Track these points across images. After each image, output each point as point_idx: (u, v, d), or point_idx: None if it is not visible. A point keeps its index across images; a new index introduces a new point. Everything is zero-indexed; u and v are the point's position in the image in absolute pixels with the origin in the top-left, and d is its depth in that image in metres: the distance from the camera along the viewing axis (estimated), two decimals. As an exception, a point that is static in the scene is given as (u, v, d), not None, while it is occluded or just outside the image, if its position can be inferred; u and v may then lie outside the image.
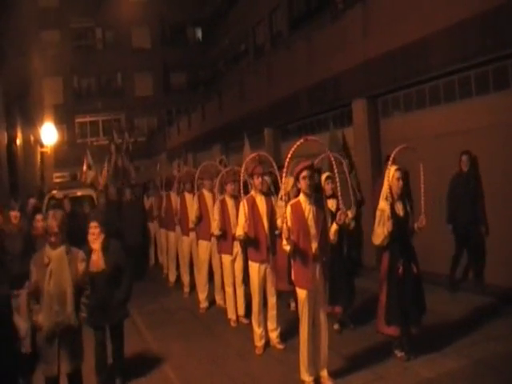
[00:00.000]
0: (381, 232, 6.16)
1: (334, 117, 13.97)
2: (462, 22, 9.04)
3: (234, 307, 8.48)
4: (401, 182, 6.23)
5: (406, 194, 6.51)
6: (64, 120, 37.60)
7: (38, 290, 5.27)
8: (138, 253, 12.43)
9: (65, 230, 5.35)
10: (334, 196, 7.27)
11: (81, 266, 5.43)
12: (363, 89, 12.09)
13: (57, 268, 5.21)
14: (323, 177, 7.27)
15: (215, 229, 8.26)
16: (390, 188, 6.22)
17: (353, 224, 7.42)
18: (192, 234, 10.31)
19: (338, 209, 6.41)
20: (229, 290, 8.54)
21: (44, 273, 5.21)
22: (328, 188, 7.21)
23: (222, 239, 8.42)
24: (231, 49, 33.99)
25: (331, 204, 7.13)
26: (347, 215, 7.33)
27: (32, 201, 10.49)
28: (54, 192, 15.28)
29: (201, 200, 9.35)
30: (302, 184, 5.72)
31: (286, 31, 24.58)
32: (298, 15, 23.53)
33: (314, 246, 5.71)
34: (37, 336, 5.69)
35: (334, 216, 6.17)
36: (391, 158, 6.18)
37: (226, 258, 8.44)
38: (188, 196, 10.44)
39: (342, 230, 7.27)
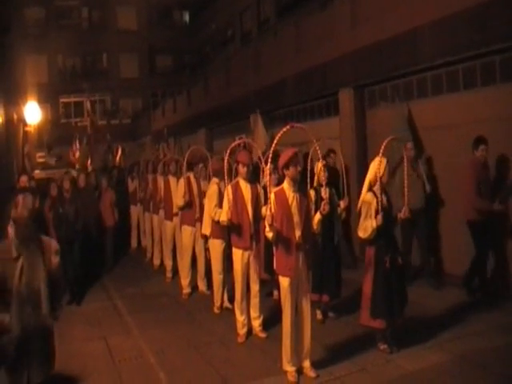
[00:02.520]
0: (369, 225, 6.13)
1: (321, 105, 13.96)
2: (451, 16, 9.03)
3: (220, 294, 8.42)
4: (387, 175, 6.24)
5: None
6: (48, 99, 37.21)
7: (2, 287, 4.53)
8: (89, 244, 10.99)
9: (37, 218, 4.79)
10: (327, 185, 7.28)
11: (54, 259, 4.76)
12: (350, 78, 12.07)
13: (29, 263, 4.56)
14: (319, 165, 7.25)
15: (224, 217, 7.26)
16: (380, 179, 6.20)
17: (344, 215, 7.47)
18: (176, 219, 10.25)
19: (321, 199, 6.39)
20: (219, 276, 8.32)
21: (12, 268, 4.51)
22: (323, 175, 7.19)
23: (216, 225, 8.00)
24: (218, 33, 33.80)
25: (324, 192, 7.12)
26: (341, 206, 7.42)
27: (24, 178, 10.26)
28: (37, 172, 15.14)
29: (188, 184, 9.27)
30: (292, 170, 5.71)
31: (273, 18, 24.48)
32: (286, 2, 23.42)
33: (298, 233, 5.70)
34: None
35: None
36: (381, 150, 6.15)
37: (216, 244, 8.20)
38: (172, 179, 10.38)
39: (333, 219, 7.36)
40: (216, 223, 7.87)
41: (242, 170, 7.15)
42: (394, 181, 8.35)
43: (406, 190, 6.32)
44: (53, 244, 4.83)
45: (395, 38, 10.44)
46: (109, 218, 12.08)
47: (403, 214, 6.25)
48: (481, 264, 8.27)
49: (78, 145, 17.65)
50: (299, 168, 5.74)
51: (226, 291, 8.47)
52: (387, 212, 6.22)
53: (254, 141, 11.22)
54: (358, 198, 6.56)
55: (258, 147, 9.74)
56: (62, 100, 40.09)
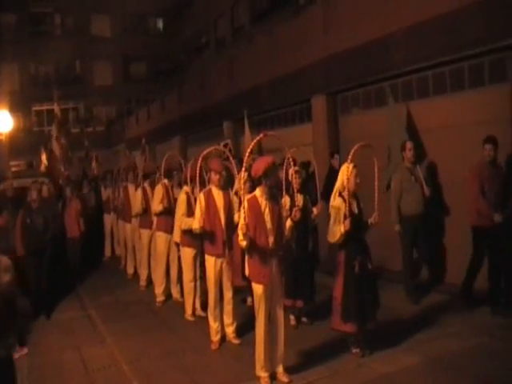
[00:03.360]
0: (337, 230, 6.18)
1: (294, 112, 14.03)
2: (423, 22, 9.16)
3: (191, 303, 8.44)
4: (357, 180, 6.30)
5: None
6: (20, 107, 36.81)
7: None
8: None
9: None
10: (301, 191, 7.37)
11: (5, 277, 4.17)
12: (323, 85, 12.17)
13: None
14: (292, 171, 7.29)
15: (196, 225, 7.28)
16: (346, 185, 6.26)
17: (318, 220, 7.51)
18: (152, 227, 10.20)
19: (292, 205, 6.44)
20: (189, 285, 8.35)
21: None
22: (296, 183, 7.23)
23: (186, 233, 8.04)
24: (192, 40, 33.79)
25: (299, 199, 7.18)
26: (314, 212, 7.46)
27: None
28: (9, 181, 14.93)
29: (166, 191, 9.29)
30: (272, 180, 5.75)
31: (247, 25, 24.56)
32: (260, 9, 23.53)
33: (271, 240, 5.72)
34: None
35: (301, 210, 6.19)
36: (350, 156, 6.22)
37: (188, 252, 8.24)
38: (149, 188, 10.34)
39: (307, 225, 7.40)
40: (186, 231, 7.93)
41: (215, 177, 7.15)
42: (396, 186, 8.55)
43: (376, 194, 6.37)
44: (2, 261, 4.24)
45: (367, 44, 10.56)
46: (74, 229, 11.41)
47: (373, 219, 6.30)
48: (474, 271, 7.93)
49: (45, 153, 17.24)
50: (277, 177, 5.79)
51: (197, 299, 8.48)
52: (357, 217, 6.28)
53: (244, 145, 11.28)
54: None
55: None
56: (34, 108, 39.68)
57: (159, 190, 9.27)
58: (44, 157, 16.67)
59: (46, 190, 10.82)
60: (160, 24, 44.18)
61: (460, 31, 8.49)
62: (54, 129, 13.90)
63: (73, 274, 11.56)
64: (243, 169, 5.76)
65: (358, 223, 6.24)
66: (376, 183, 6.40)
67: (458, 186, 8.51)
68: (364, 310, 6.24)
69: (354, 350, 6.46)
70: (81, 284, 11.34)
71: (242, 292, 8.51)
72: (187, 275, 8.37)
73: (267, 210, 5.76)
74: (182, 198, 8.15)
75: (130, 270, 11.93)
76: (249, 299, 8.35)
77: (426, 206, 8.60)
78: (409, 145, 8.62)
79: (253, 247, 5.71)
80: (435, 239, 9.38)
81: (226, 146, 12.00)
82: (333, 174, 8.89)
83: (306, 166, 10.07)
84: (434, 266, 9.43)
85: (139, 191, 10.43)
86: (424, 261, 9.26)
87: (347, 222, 6.07)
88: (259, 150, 11.08)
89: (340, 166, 9.40)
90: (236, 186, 7.31)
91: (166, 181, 9.42)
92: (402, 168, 8.64)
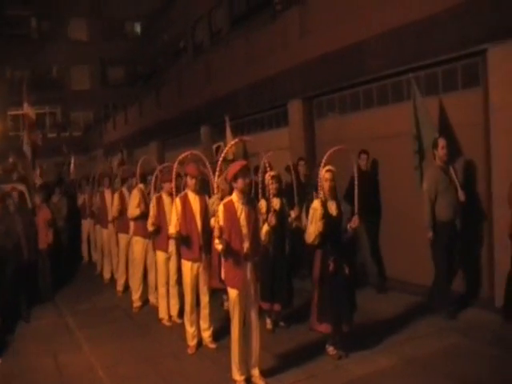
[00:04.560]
0: (312, 230, 6.27)
1: (271, 116, 14.09)
2: (397, 28, 9.26)
3: (166, 307, 8.48)
4: (331, 183, 6.36)
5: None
6: (-4, 112, 36.50)
7: None
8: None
9: None
10: (277, 195, 7.43)
11: None
12: (299, 90, 12.24)
13: None
14: (269, 175, 7.33)
15: (149, 224, 8.21)
16: (322, 188, 6.35)
17: (295, 224, 7.53)
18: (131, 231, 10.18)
19: (269, 209, 6.48)
20: (162, 289, 8.52)
21: None
22: (273, 187, 7.27)
23: (157, 235, 8.38)
24: (170, 45, 33.70)
25: (275, 203, 7.22)
26: (291, 216, 7.49)
27: None
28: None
29: (142, 195, 9.31)
30: (241, 183, 5.76)
31: (225, 29, 24.58)
32: (237, 14, 23.56)
33: (246, 245, 5.75)
34: None
35: (277, 215, 6.22)
36: (323, 160, 6.29)
37: (161, 255, 8.38)
38: (126, 193, 10.30)
39: (284, 229, 7.43)
40: (158, 234, 8.12)
41: (191, 182, 7.16)
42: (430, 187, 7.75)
43: (356, 197, 6.40)
44: None
45: (343, 49, 10.65)
46: (42, 240, 10.30)
47: (353, 223, 6.34)
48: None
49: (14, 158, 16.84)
50: (247, 180, 5.80)
51: (174, 305, 8.50)
52: (334, 219, 6.34)
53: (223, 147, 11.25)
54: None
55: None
56: (10, 113, 39.29)
57: (135, 195, 9.27)
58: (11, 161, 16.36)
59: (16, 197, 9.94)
60: (138, 28, 44.06)
61: (434, 37, 8.61)
62: (26, 133, 13.55)
63: (42, 293, 10.51)
64: (217, 174, 5.77)
65: (335, 225, 6.30)
66: (356, 187, 6.44)
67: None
68: (339, 311, 6.29)
69: (331, 352, 6.52)
70: (56, 290, 11.10)
71: (220, 296, 8.55)
72: (160, 279, 8.49)
73: (243, 214, 5.78)
74: (134, 194, 9.03)
75: (107, 276, 11.87)
76: (225, 303, 8.36)
77: (460, 211, 7.94)
78: (442, 142, 7.80)
79: (228, 251, 5.72)
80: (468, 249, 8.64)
81: (218, 148, 11.89)
82: (359, 175, 8.75)
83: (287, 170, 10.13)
84: (470, 279, 8.69)
85: (116, 195, 10.41)
86: (457, 273, 8.32)
87: (320, 222, 6.16)
88: (244, 154, 11.06)
89: (368, 166, 9.47)
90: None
91: (141, 185, 9.42)
92: (435, 167, 7.87)
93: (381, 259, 9.77)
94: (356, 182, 6.42)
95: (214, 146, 12.18)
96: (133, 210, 9.26)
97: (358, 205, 6.39)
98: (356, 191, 6.41)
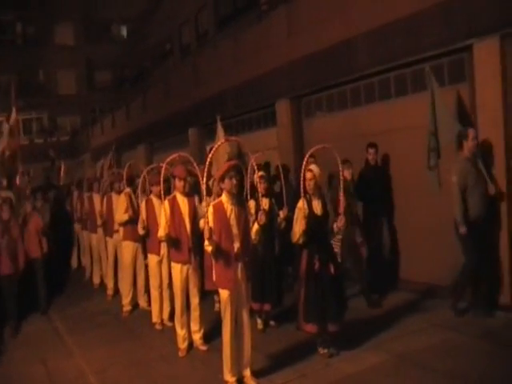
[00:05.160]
0: (297, 230, 6.33)
1: (259, 117, 14.06)
2: (383, 26, 9.27)
3: (159, 310, 8.42)
4: (311, 183, 6.40)
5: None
6: (-19, 118, 36.19)
7: None
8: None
9: None
10: (266, 195, 7.47)
11: None
12: (287, 89, 12.22)
13: None
14: (257, 175, 7.30)
15: (140, 228, 8.14)
16: (306, 187, 6.38)
17: (284, 224, 7.51)
18: (116, 235, 10.11)
19: (258, 209, 6.45)
20: (155, 292, 8.44)
21: None
22: (261, 187, 7.25)
23: (148, 239, 8.31)
24: (157, 47, 33.58)
25: (264, 203, 7.21)
26: (280, 216, 7.47)
27: None
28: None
29: (129, 200, 9.25)
30: (228, 184, 5.75)
31: (212, 31, 24.51)
32: (224, 15, 23.50)
33: (236, 246, 5.72)
34: None
35: (266, 215, 6.19)
36: (305, 159, 6.32)
37: (153, 258, 8.31)
38: (115, 197, 10.25)
39: (273, 229, 7.41)
40: (148, 237, 8.08)
41: (179, 184, 7.13)
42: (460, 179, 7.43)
43: (341, 196, 6.39)
44: None
45: (330, 48, 10.64)
46: (35, 249, 9.84)
47: (339, 222, 6.32)
48: None
49: None
50: (235, 181, 5.77)
51: (165, 309, 8.44)
52: (319, 218, 6.36)
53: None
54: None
55: (225, 153, 9.88)
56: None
57: (123, 200, 9.21)
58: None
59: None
60: (124, 31, 43.91)
61: (421, 33, 8.61)
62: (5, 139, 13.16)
63: (39, 305, 10.04)
64: (205, 175, 5.72)
65: (320, 225, 6.30)
66: (341, 187, 6.41)
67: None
68: (325, 311, 6.29)
69: (321, 351, 6.51)
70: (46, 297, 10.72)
71: (211, 298, 8.55)
72: (153, 282, 8.43)
73: (233, 215, 5.76)
74: (121, 199, 9.02)
75: (96, 280, 11.81)
76: (217, 305, 8.32)
77: (489, 206, 7.57)
78: (472, 133, 7.46)
79: (218, 252, 5.69)
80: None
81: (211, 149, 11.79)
82: (368, 171, 8.60)
83: (267, 167, 10.11)
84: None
85: (105, 200, 10.38)
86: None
87: (303, 221, 6.23)
88: (239, 154, 10.96)
89: (377, 160, 9.18)
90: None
91: (129, 190, 9.36)
92: (463, 160, 7.52)
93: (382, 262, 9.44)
94: (341, 184, 6.40)
95: (209, 147, 12.05)
96: (120, 216, 9.21)
97: (344, 204, 6.40)
98: (341, 190, 6.39)
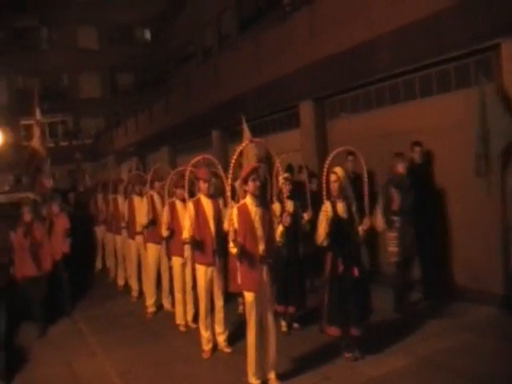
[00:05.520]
0: (321, 232, 6.30)
1: (282, 118, 14.02)
2: (406, 26, 9.20)
3: (182, 312, 8.41)
4: (335, 185, 6.35)
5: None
6: (8, 122, 36.67)
7: None
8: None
9: None
10: (291, 197, 7.37)
11: None
12: (310, 91, 12.17)
13: None
14: (281, 178, 7.28)
15: (164, 230, 8.17)
16: (331, 190, 6.34)
17: (308, 226, 7.47)
18: (139, 238, 10.15)
19: (283, 211, 6.43)
20: (178, 295, 8.43)
21: None
22: (286, 189, 7.23)
23: (172, 242, 8.31)
24: (179, 50, 33.75)
25: (289, 205, 7.18)
26: (304, 218, 7.44)
27: None
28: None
29: (151, 203, 9.26)
30: (251, 186, 5.74)
31: (234, 33, 24.55)
32: (246, 17, 23.53)
33: (261, 247, 5.70)
34: None
35: (291, 217, 6.16)
36: (328, 161, 6.28)
37: (177, 261, 8.30)
38: (137, 199, 10.30)
39: (298, 231, 7.37)
40: (172, 239, 8.10)
41: (203, 186, 7.13)
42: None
43: (365, 200, 6.34)
44: None
45: (353, 48, 10.58)
46: (60, 251, 9.73)
47: (364, 225, 6.31)
48: None
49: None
50: (258, 183, 5.75)
51: (189, 310, 8.41)
52: (344, 221, 6.31)
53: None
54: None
55: (250, 156, 9.83)
56: (22, 122, 39.48)
57: (145, 203, 9.27)
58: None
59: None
60: (147, 34, 44.18)
61: (444, 33, 8.52)
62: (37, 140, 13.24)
63: (65, 306, 9.98)
64: (229, 176, 5.72)
65: (345, 227, 6.26)
66: (365, 188, 6.36)
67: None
68: (348, 314, 6.24)
69: (346, 354, 6.46)
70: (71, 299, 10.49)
71: (235, 300, 8.55)
72: (176, 285, 8.43)
73: (257, 217, 5.74)
74: (144, 202, 9.27)
75: (121, 282, 11.84)
76: (240, 307, 8.30)
77: None
78: None
79: (243, 254, 5.66)
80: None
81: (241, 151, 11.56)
82: (413, 169, 8.38)
83: (290, 169, 10.07)
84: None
85: (126, 202, 10.44)
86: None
87: (326, 224, 6.23)
88: (266, 157, 10.87)
89: (423, 158, 8.77)
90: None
91: (152, 192, 9.38)
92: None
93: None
94: (365, 180, 6.39)
95: (238, 149, 11.87)
96: (141, 219, 9.32)
97: (369, 206, 6.35)
98: (366, 191, 6.34)
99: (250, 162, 9.85)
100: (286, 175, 7.38)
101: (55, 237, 9.78)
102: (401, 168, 7.96)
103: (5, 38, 38.97)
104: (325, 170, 6.32)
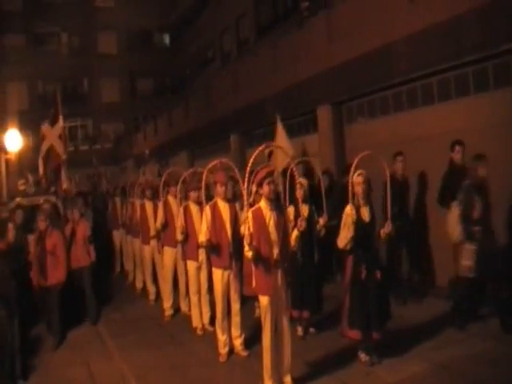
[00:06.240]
0: (344, 236, 6.26)
1: (300, 123, 14.04)
2: (424, 30, 9.20)
3: (199, 315, 8.43)
4: (363, 187, 6.29)
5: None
6: (29, 126, 37.02)
7: None
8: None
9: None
10: (306, 202, 7.40)
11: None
12: (328, 95, 12.18)
13: None
14: (297, 182, 7.29)
15: (178, 234, 8.18)
16: (355, 193, 6.29)
17: (323, 231, 7.46)
18: (153, 242, 10.25)
19: (297, 216, 6.44)
20: (194, 298, 8.47)
21: None
22: (300, 193, 7.24)
23: (186, 245, 8.34)
24: (198, 55, 33.93)
25: (304, 209, 7.19)
26: (320, 223, 7.42)
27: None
28: (18, 200, 14.92)
29: (166, 206, 9.29)
30: (266, 189, 5.73)
31: (252, 38, 24.64)
32: (264, 22, 23.62)
33: (276, 252, 5.70)
34: None
35: (306, 221, 6.17)
36: (354, 164, 6.25)
37: (192, 265, 8.34)
38: (148, 203, 10.38)
39: (313, 236, 7.36)
40: (186, 243, 8.15)
41: (220, 189, 7.17)
42: None
43: (388, 203, 6.34)
44: None
45: (371, 53, 10.60)
46: (83, 258, 9.51)
47: (386, 228, 6.28)
48: None
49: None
50: (273, 187, 5.75)
51: (206, 314, 8.43)
52: (367, 224, 6.29)
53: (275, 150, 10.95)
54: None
55: (285, 156, 9.84)
56: (43, 126, 39.93)
57: (160, 206, 9.34)
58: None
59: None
60: (166, 39, 44.49)
61: (461, 37, 8.50)
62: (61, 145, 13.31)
63: (89, 315, 9.64)
64: (245, 180, 5.72)
65: (367, 231, 6.26)
66: (388, 193, 6.36)
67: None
68: (369, 318, 6.22)
69: (363, 359, 6.44)
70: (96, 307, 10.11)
71: (252, 303, 8.50)
72: (191, 288, 8.46)
73: (272, 221, 5.74)
74: (159, 206, 9.31)
75: (139, 285, 11.89)
76: (257, 311, 8.30)
77: None
78: None
79: (258, 258, 5.68)
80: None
81: (270, 153, 11.32)
82: (454, 171, 7.91)
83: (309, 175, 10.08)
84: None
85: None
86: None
87: (352, 227, 6.16)
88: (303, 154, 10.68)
89: (463, 159, 8.06)
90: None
91: (168, 196, 9.44)
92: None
93: None
94: (388, 185, 6.37)
95: (267, 151, 11.75)
96: (154, 223, 9.48)
97: (391, 209, 6.32)
98: (388, 196, 6.33)
99: (280, 163, 9.86)
100: (299, 180, 7.37)
101: (77, 243, 9.53)
102: (482, 171, 7.24)
103: (26, 44, 39.46)
104: (351, 173, 6.30)
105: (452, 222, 7.22)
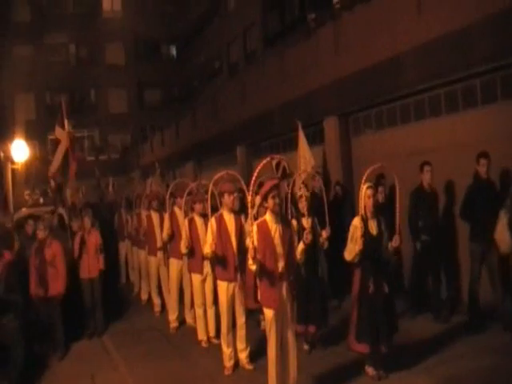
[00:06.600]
0: (352, 248, 6.22)
1: (306, 134, 13.96)
2: (432, 41, 9.15)
3: (204, 328, 8.37)
4: (373, 200, 6.25)
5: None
6: (36, 136, 37.20)
7: None
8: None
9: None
10: (309, 214, 7.30)
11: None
12: (335, 107, 12.15)
13: None
14: (300, 195, 7.25)
15: (183, 247, 8.12)
16: (364, 206, 6.25)
17: (327, 244, 7.39)
18: (159, 254, 10.20)
19: (303, 228, 6.39)
20: (199, 310, 8.41)
21: None
22: (302, 206, 7.19)
23: (191, 258, 8.30)
24: (206, 66, 34.07)
25: (306, 222, 7.12)
26: (323, 236, 7.34)
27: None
28: (23, 210, 14.98)
29: (172, 218, 9.25)
30: (270, 202, 5.68)
31: (259, 49, 24.72)
32: (271, 33, 23.69)
33: (281, 265, 5.65)
34: None
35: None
36: (364, 177, 6.21)
37: (196, 278, 8.29)
38: (154, 215, 10.35)
39: (317, 249, 7.30)
40: (191, 256, 8.10)
41: (228, 198, 7.13)
42: None
43: (397, 218, 6.28)
44: None
45: (378, 64, 10.55)
46: (94, 268, 9.37)
47: (394, 242, 6.22)
48: None
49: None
50: (277, 200, 5.70)
51: (211, 326, 8.36)
52: (375, 238, 6.25)
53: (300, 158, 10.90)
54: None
55: (306, 165, 9.77)
56: (50, 137, 40.00)
57: (166, 218, 9.28)
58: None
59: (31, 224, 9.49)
60: (173, 51, 44.72)
61: (470, 48, 8.45)
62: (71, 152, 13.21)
63: (97, 328, 9.52)
64: (251, 192, 5.68)
65: (375, 244, 6.21)
66: (397, 206, 6.31)
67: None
68: (378, 331, 6.16)
69: (370, 373, 6.37)
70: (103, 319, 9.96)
71: (257, 316, 8.44)
72: (197, 300, 8.41)
73: (277, 234, 5.70)
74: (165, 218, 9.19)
75: (144, 297, 11.85)
76: (262, 324, 8.23)
77: None
78: None
79: (262, 271, 5.64)
80: None
81: (278, 164, 11.30)
82: (479, 185, 7.67)
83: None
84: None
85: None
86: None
87: (361, 240, 6.11)
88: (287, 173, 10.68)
89: (487, 172, 7.73)
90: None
91: (175, 207, 9.40)
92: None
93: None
94: (397, 199, 6.32)
95: (274, 162, 11.67)
96: (163, 234, 9.37)
97: (399, 222, 6.28)
98: (398, 209, 6.28)
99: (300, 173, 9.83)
100: (301, 192, 7.32)
101: (87, 254, 9.35)
102: None
103: (34, 54, 39.69)
104: (362, 185, 6.25)
105: (501, 229, 6.96)
